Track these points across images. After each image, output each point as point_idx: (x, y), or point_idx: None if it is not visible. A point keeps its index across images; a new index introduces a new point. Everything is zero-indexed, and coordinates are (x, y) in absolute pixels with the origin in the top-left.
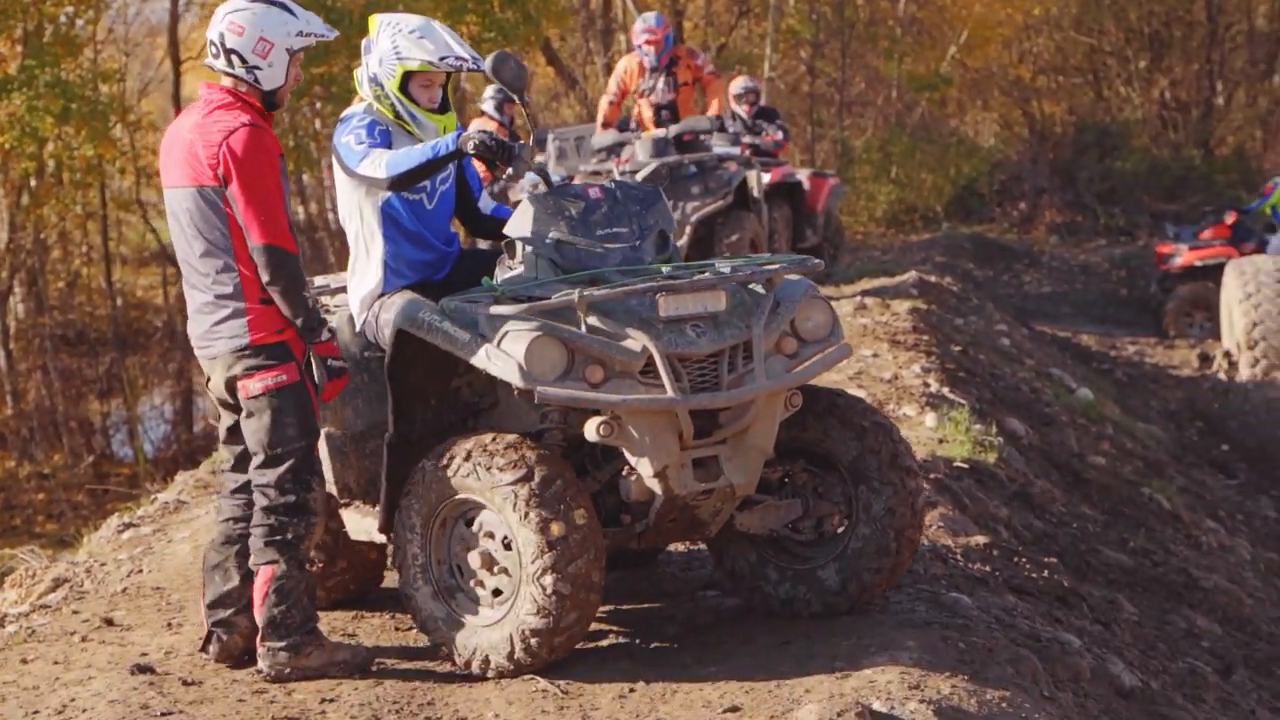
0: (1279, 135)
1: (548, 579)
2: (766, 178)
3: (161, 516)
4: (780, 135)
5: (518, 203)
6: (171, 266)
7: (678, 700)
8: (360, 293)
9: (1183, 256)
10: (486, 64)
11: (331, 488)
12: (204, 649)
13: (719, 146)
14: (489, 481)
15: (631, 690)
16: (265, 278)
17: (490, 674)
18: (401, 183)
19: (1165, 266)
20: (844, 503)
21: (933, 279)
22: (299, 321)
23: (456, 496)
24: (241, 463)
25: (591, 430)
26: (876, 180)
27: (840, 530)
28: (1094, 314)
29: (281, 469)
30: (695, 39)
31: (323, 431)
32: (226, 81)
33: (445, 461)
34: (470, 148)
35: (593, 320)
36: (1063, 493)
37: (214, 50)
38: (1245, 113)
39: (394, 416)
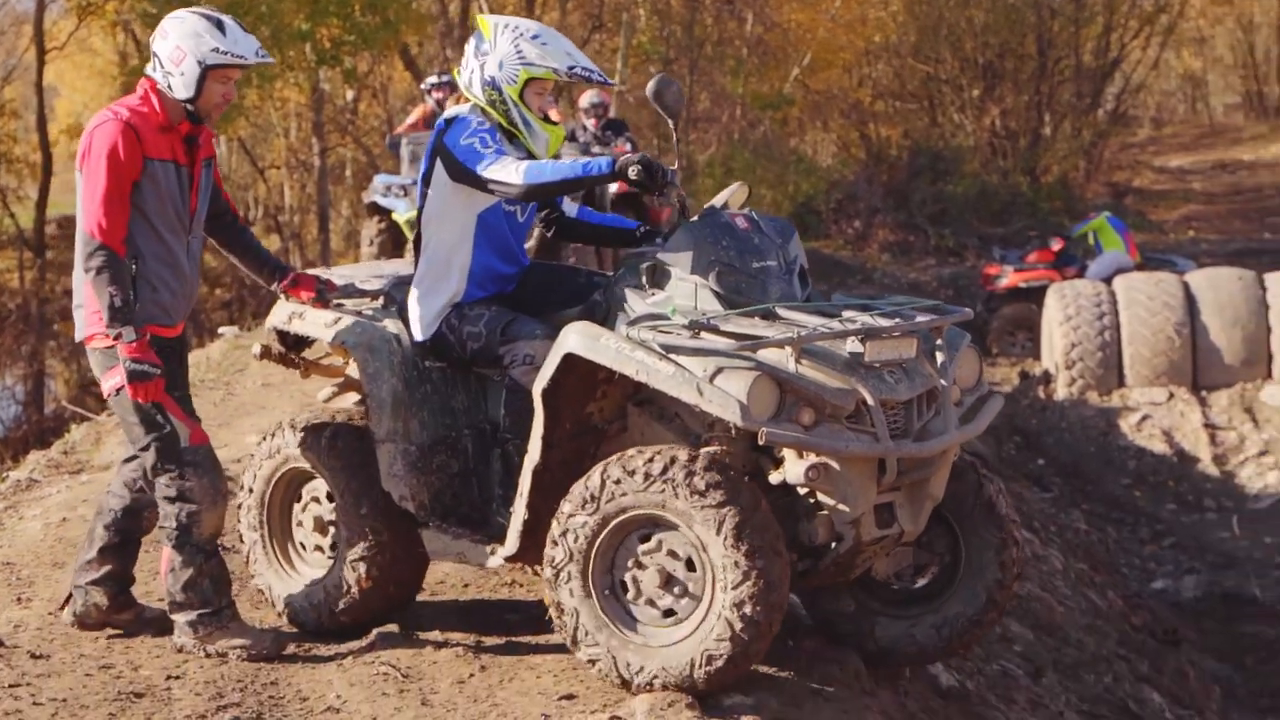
0: (1101, 165)
1: (748, 607)
2: (613, 188)
3: (13, 494)
4: (628, 147)
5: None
6: (29, 250)
7: (515, 687)
8: (432, 302)
9: (1008, 278)
10: (649, 87)
11: (407, 503)
12: (61, 609)
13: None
14: (688, 500)
15: (471, 675)
16: (81, 265)
17: (654, 689)
18: (536, 194)
19: (991, 287)
20: (948, 553)
21: None
22: (104, 316)
23: (638, 512)
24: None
25: (799, 473)
26: (716, 194)
27: (936, 578)
28: None
29: (148, 464)
30: None
31: (396, 445)
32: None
33: (628, 474)
34: (632, 174)
35: (803, 362)
36: None
37: (151, 50)
38: (1070, 143)
39: (542, 443)
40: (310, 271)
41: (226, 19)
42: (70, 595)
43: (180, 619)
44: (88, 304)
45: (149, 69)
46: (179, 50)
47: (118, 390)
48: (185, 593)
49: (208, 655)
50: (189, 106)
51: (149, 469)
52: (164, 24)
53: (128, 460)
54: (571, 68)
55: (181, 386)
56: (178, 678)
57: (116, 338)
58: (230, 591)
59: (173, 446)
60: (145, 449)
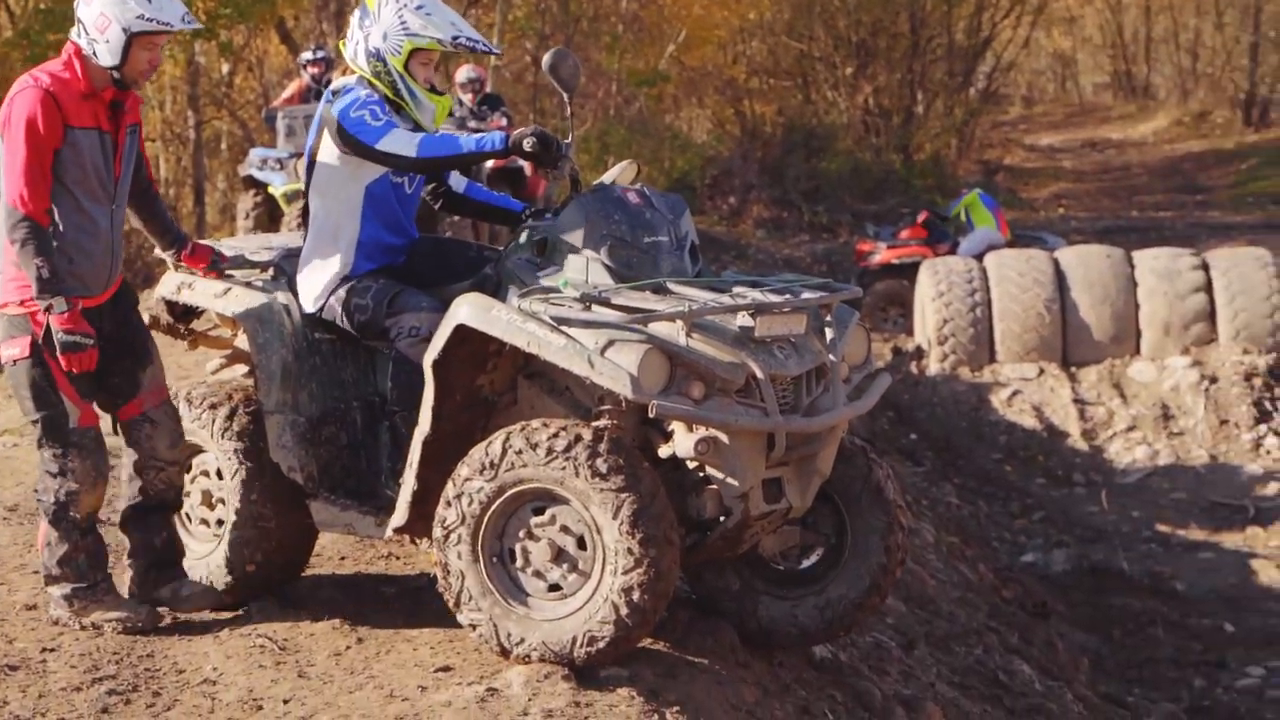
0: (973, 143)
1: (636, 594)
2: (489, 163)
3: None
4: (504, 122)
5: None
6: None
7: (391, 659)
8: (320, 275)
9: (881, 254)
10: (545, 60)
11: (295, 475)
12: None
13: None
14: (588, 481)
15: (347, 648)
16: (6, 235)
17: (531, 661)
18: (430, 167)
19: (864, 263)
20: (834, 535)
21: None
22: (32, 290)
23: (536, 485)
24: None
25: (689, 446)
26: (594, 169)
27: (821, 560)
28: None
29: (37, 436)
30: None
31: (285, 416)
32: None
33: (531, 446)
34: (527, 146)
35: (694, 336)
36: None
37: (76, 16)
38: (943, 121)
39: (432, 413)
40: (204, 242)
41: None
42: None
43: (55, 592)
44: (4, 271)
45: (73, 34)
46: (103, 17)
47: (14, 361)
48: (61, 567)
49: (82, 628)
50: (115, 74)
51: (39, 442)
52: None
53: (119, 430)
54: (456, 37)
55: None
56: (53, 650)
57: (47, 309)
58: (106, 566)
59: (60, 425)
60: (35, 424)
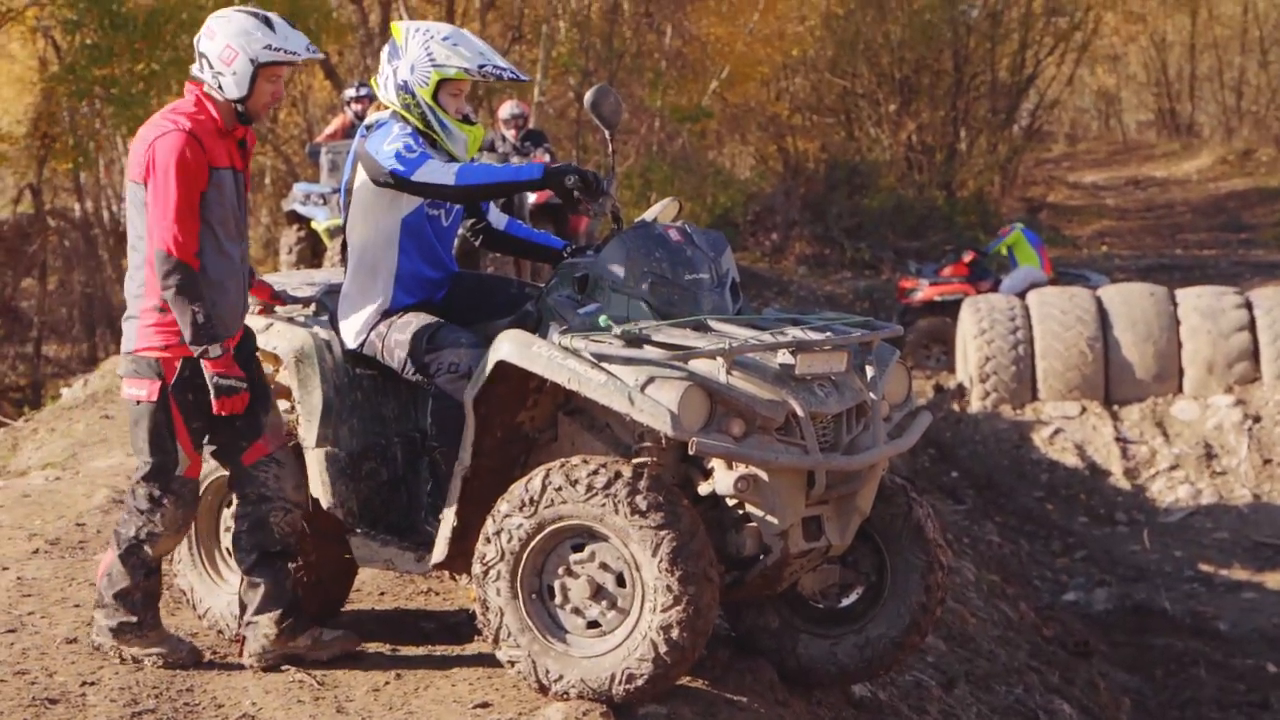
0: (1016, 180)
1: (675, 632)
2: (532, 198)
3: None
4: (547, 158)
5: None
6: None
7: (430, 695)
8: (360, 310)
9: (923, 292)
10: (587, 97)
11: (336, 510)
12: (240, 655)
13: None
14: (628, 518)
15: (386, 683)
16: (160, 283)
17: (570, 698)
18: (468, 195)
19: (906, 300)
20: (874, 573)
21: None
22: (186, 336)
23: (576, 521)
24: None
25: (729, 483)
26: (637, 206)
27: (860, 598)
28: None
29: (138, 476)
30: None
31: (323, 450)
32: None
33: (571, 483)
34: (569, 182)
35: (734, 373)
36: None
37: (197, 52)
38: (986, 158)
39: (472, 449)
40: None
41: (273, 16)
42: (243, 639)
43: (103, 619)
44: (143, 317)
45: (194, 71)
46: (230, 49)
47: (138, 401)
48: (116, 599)
49: (122, 660)
50: (239, 107)
51: (139, 480)
52: (210, 24)
53: (236, 477)
54: (482, 66)
55: (206, 415)
56: (93, 684)
57: (203, 355)
58: (157, 605)
59: (168, 471)
60: (141, 463)
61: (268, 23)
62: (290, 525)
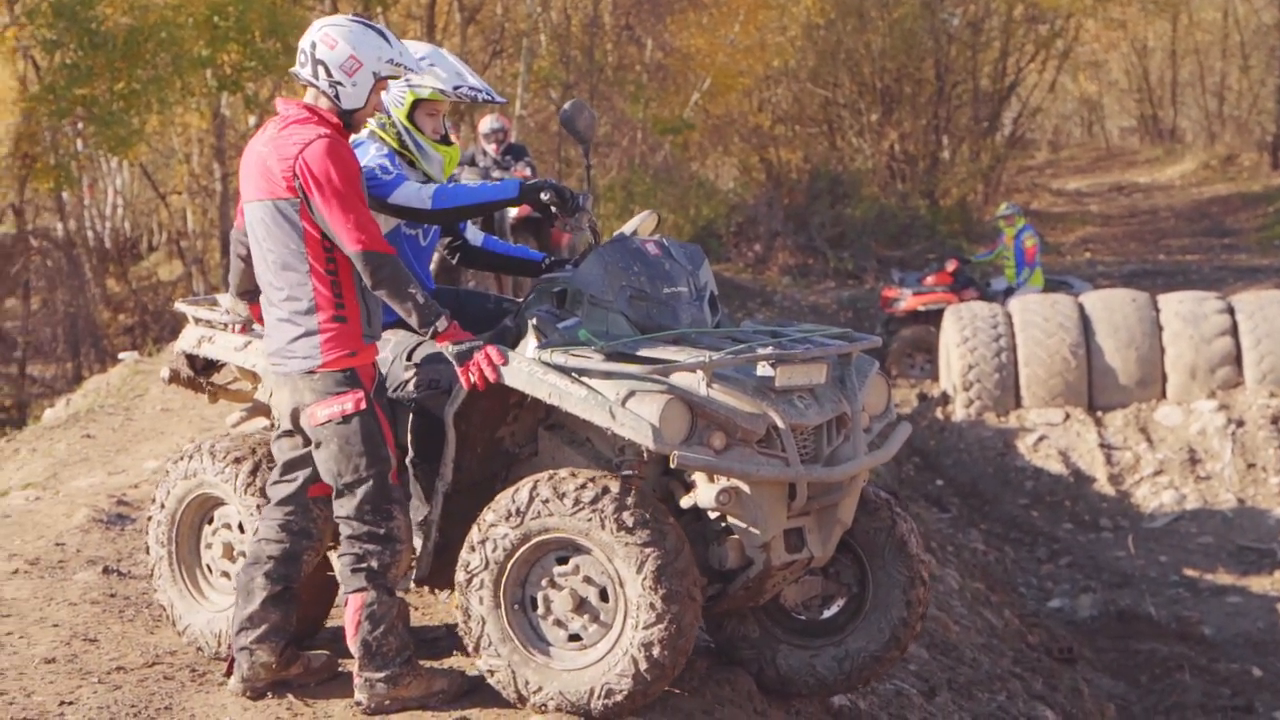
0: (999, 188)
1: (656, 649)
2: (513, 213)
3: None
4: (528, 172)
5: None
6: None
7: (409, 711)
8: None
9: (906, 301)
10: (561, 112)
11: None
12: (228, 675)
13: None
14: (614, 534)
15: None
16: (369, 283)
17: (548, 710)
18: (444, 218)
19: (890, 310)
20: (856, 585)
21: None
22: (412, 319)
23: (561, 534)
24: (286, 475)
25: (710, 496)
26: (619, 218)
27: (842, 611)
28: None
29: (357, 499)
30: None
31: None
32: (307, 96)
33: (558, 496)
34: (545, 198)
35: (715, 386)
36: None
37: (303, 59)
38: (968, 166)
39: (453, 465)
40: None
41: (381, 26)
42: (232, 660)
43: (375, 674)
44: (323, 331)
45: (305, 75)
46: (353, 60)
47: (343, 416)
48: (385, 638)
49: (403, 708)
50: (346, 118)
51: (360, 505)
52: (328, 32)
53: (281, 503)
54: (458, 87)
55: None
56: (71, 703)
57: (434, 334)
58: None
59: (387, 481)
60: (360, 484)
61: (383, 35)
62: (310, 568)
